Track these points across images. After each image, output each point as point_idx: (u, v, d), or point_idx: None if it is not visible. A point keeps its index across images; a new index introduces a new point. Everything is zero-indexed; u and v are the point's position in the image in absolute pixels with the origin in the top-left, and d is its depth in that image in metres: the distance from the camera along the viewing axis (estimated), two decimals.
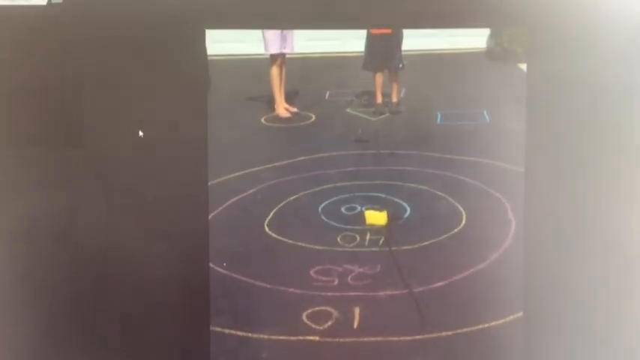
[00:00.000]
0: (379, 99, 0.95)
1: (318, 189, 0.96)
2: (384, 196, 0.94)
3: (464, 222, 0.93)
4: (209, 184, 0.92)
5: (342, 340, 0.92)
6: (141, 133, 0.91)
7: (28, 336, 0.94)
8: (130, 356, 0.94)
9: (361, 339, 0.92)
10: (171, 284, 0.92)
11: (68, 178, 0.92)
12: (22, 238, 0.93)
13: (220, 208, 0.93)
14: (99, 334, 0.94)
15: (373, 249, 0.94)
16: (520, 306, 0.90)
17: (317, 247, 0.94)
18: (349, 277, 0.93)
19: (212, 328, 0.93)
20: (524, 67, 0.89)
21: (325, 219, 0.95)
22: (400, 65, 0.94)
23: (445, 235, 0.93)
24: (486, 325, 0.91)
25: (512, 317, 0.91)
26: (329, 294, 0.93)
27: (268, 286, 0.94)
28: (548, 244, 0.89)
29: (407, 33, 0.93)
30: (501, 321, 0.91)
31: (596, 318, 0.90)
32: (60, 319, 0.94)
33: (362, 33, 0.93)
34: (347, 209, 0.95)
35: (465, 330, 0.91)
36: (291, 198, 0.96)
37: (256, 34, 0.96)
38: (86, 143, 0.91)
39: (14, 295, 0.94)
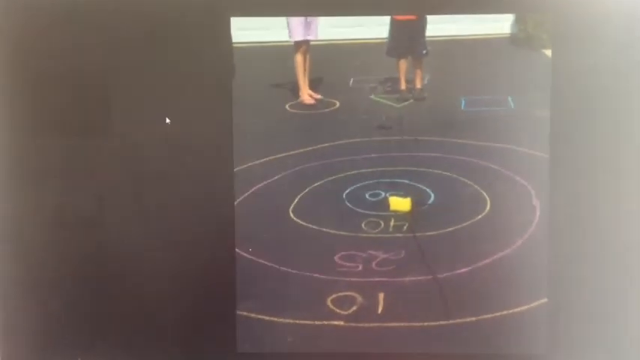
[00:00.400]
0: (403, 85, 0.95)
1: (342, 175, 0.96)
2: (407, 182, 0.94)
3: (488, 208, 0.93)
4: (235, 170, 0.93)
5: (366, 325, 0.93)
6: (168, 120, 0.92)
7: (53, 317, 0.96)
8: (157, 341, 0.95)
9: (385, 324, 0.93)
10: (198, 270, 0.94)
11: (95, 167, 0.93)
12: (49, 227, 0.95)
13: (246, 194, 0.94)
14: (125, 319, 0.95)
15: (397, 235, 0.94)
16: (544, 292, 0.90)
17: (341, 232, 0.95)
18: (373, 262, 0.94)
19: (238, 312, 0.94)
20: (549, 53, 0.89)
21: (349, 205, 0.95)
22: (424, 51, 0.94)
23: (469, 221, 0.93)
24: (510, 311, 0.91)
25: (536, 303, 0.91)
26: (353, 279, 0.94)
27: (293, 271, 0.94)
28: (573, 231, 0.89)
29: (430, 19, 0.92)
30: (525, 307, 0.91)
31: (621, 306, 0.90)
32: (86, 303, 0.95)
33: (386, 19, 0.93)
34: (371, 195, 0.95)
35: (489, 316, 0.92)
36: (316, 184, 0.96)
37: (280, 21, 0.96)
38: (113, 132, 0.92)
39: (43, 281, 0.95)
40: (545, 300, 0.90)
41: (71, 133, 0.93)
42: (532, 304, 0.91)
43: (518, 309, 0.91)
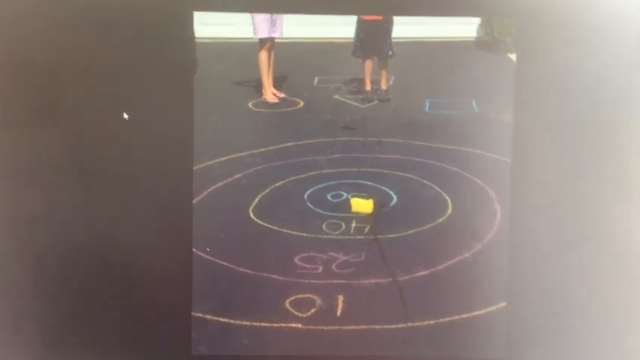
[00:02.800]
0: (368, 86, 0.95)
1: (304, 175, 0.95)
2: (370, 183, 0.94)
3: (450, 211, 0.93)
4: (194, 168, 0.92)
5: (325, 327, 0.92)
6: (126, 116, 0.90)
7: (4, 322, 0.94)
8: (110, 342, 0.93)
9: (344, 327, 0.92)
10: (153, 269, 0.92)
11: (48, 163, 0.91)
12: None
13: (205, 193, 0.93)
14: (76, 320, 0.93)
15: (358, 237, 0.93)
16: (503, 296, 0.90)
17: (302, 234, 0.94)
18: (334, 264, 0.93)
19: (194, 313, 0.92)
20: (513, 57, 0.89)
21: (311, 206, 0.94)
22: (390, 52, 0.94)
23: (431, 224, 0.93)
24: (469, 315, 0.91)
25: (495, 307, 0.91)
26: (313, 281, 0.93)
27: (252, 272, 0.93)
28: (533, 235, 0.90)
29: (397, 20, 0.92)
30: (484, 311, 0.91)
31: (579, 309, 0.91)
32: (35, 304, 0.93)
33: (352, 19, 0.93)
34: (333, 196, 0.94)
35: (447, 319, 0.91)
36: (277, 184, 0.95)
37: (245, 17, 0.95)
38: (70, 125, 0.90)
39: None
40: (503, 304, 0.91)
41: (24, 128, 0.91)
42: (491, 308, 0.91)
43: (477, 312, 0.91)
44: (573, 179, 0.89)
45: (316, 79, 0.97)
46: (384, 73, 0.95)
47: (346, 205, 0.94)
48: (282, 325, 0.92)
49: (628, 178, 0.89)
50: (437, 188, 0.93)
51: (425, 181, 0.94)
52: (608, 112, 0.88)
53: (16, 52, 0.89)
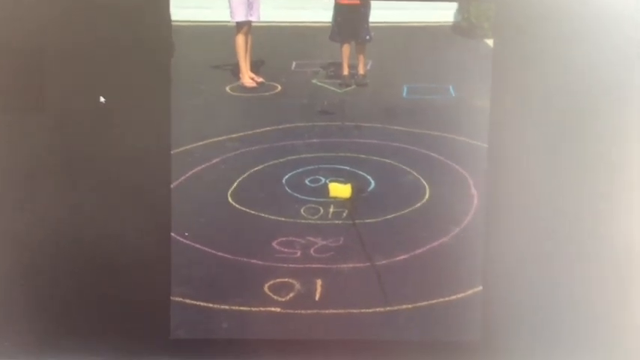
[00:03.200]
0: (346, 71, 0.95)
1: (282, 160, 0.95)
2: (348, 168, 0.94)
3: (427, 196, 0.93)
4: (172, 152, 0.91)
5: (303, 311, 0.93)
6: (102, 99, 0.90)
7: None
8: (88, 326, 0.93)
9: (323, 311, 0.92)
10: (131, 253, 0.92)
11: (24, 146, 0.90)
12: None
13: (183, 178, 0.92)
14: (54, 305, 0.93)
15: (336, 221, 0.94)
16: (480, 280, 0.91)
17: (280, 218, 0.94)
18: (312, 249, 0.93)
19: (172, 297, 0.92)
20: (490, 42, 0.89)
21: (289, 190, 0.94)
22: (367, 37, 0.93)
23: (408, 209, 0.93)
24: (446, 299, 0.92)
25: (471, 291, 0.92)
26: (291, 266, 0.93)
27: (230, 256, 0.93)
28: (509, 220, 0.90)
29: (375, 5, 0.92)
30: (461, 295, 0.92)
31: (555, 292, 0.92)
32: (13, 286, 0.92)
33: (330, 3, 0.92)
34: (311, 181, 0.94)
35: (425, 303, 0.92)
36: (256, 168, 0.95)
37: (222, 0, 0.94)
38: (43, 110, 0.89)
39: None
40: (480, 288, 0.92)
41: (1, 111, 0.90)
42: (467, 292, 0.92)
43: (455, 296, 0.92)
44: (550, 164, 0.90)
45: (294, 64, 0.96)
46: (361, 57, 0.94)
47: (324, 190, 0.94)
48: (261, 309, 0.93)
49: (605, 162, 0.90)
50: (415, 173, 0.94)
51: (403, 166, 0.94)
52: (585, 97, 0.89)
53: None
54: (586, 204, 0.90)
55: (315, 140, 0.94)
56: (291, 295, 0.93)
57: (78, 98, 0.89)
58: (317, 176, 0.94)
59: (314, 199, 0.94)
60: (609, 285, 0.91)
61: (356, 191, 0.94)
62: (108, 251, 0.91)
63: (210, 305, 0.93)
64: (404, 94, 0.93)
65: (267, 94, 0.96)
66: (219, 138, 0.94)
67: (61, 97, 0.89)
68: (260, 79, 0.96)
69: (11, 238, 0.91)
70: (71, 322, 0.92)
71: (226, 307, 0.93)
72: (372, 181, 0.94)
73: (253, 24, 0.94)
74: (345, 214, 0.94)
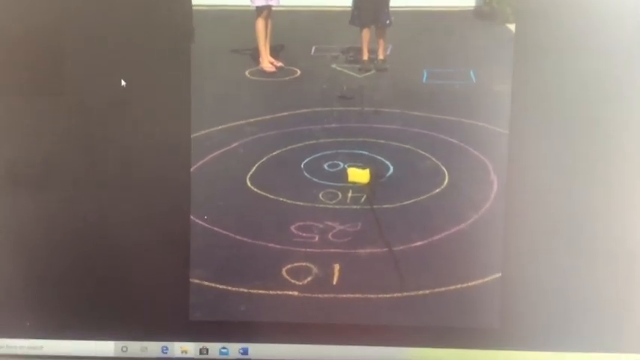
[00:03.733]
0: (365, 55, 0.94)
1: (300, 145, 0.95)
2: (367, 153, 0.93)
3: (446, 182, 0.93)
4: (192, 136, 0.92)
5: (320, 295, 0.93)
6: (123, 83, 0.90)
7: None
8: (108, 307, 0.94)
9: (340, 295, 0.93)
10: (151, 236, 0.93)
11: (47, 130, 0.91)
12: None
13: (202, 161, 0.93)
14: (76, 287, 0.94)
15: (355, 207, 0.93)
16: (498, 267, 0.91)
17: (298, 202, 0.94)
18: (330, 234, 0.93)
19: (192, 280, 0.93)
20: (512, 27, 0.88)
21: (307, 175, 0.94)
22: (387, 21, 0.93)
23: (427, 195, 0.93)
24: (464, 285, 0.92)
25: (490, 278, 0.91)
26: (309, 250, 0.93)
27: (249, 240, 0.93)
28: (529, 207, 0.90)
29: None
30: (480, 281, 0.92)
31: (573, 281, 0.91)
32: (34, 268, 0.94)
33: None
34: (329, 166, 0.94)
35: (443, 289, 0.92)
36: (274, 153, 0.95)
37: None
38: (66, 93, 0.90)
39: None
40: (499, 274, 0.91)
41: (23, 95, 0.90)
42: (486, 279, 0.91)
43: (473, 283, 0.92)
44: (570, 151, 0.89)
45: (313, 48, 0.96)
46: (381, 42, 0.94)
47: (343, 175, 0.94)
48: (279, 292, 0.93)
49: (628, 148, 0.89)
50: (434, 159, 0.93)
51: (422, 152, 0.93)
52: (608, 82, 0.88)
53: (16, 20, 0.89)
54: (606, 191, 0.89)
55: (334, 125, 0.93)
56: (309, 279, 0.93)
57: (98, 83, 0.90)
58: (335, 161, 0.94)
59: (332, 183, 0.94)
60: (628, 272, 0.90)
61: (374, 176, 0.93)
62: (128, 234, 0.92)
63: (229, 288, 0.93)
64: (424, 79, 0.92)
65: (286, 78, 0.96)
66: (239, 122, 0.94)
67: (81, 82, 0.90)
68: (279, 64, 0.95)
69: (32, 220, 0.92)
70: (91, 303, 0.94)
71: (244, 290, 0.93)
72: (391, 167, 0.94)
73: (273, 8, 0.93)
74: (363, 200, 0.93)
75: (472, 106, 0.91)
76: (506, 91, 0.89)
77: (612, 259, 0.90)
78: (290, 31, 0.96)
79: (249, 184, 0.94)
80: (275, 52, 0.95)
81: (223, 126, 0.94)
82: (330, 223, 0.93)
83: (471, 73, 0.91)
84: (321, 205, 0.94)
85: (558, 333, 0.91)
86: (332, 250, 0.93)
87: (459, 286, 0.92)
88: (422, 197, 0.93)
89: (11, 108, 0.91)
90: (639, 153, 0.89)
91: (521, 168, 0.90)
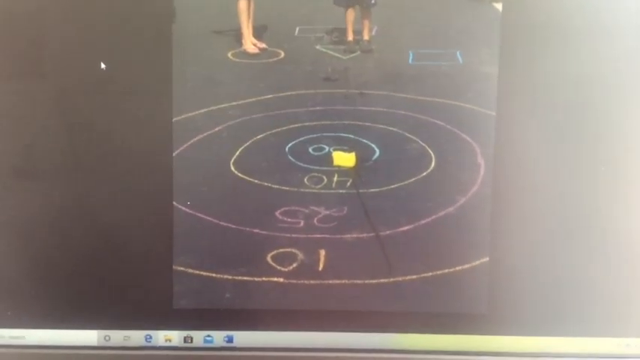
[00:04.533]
0: (350, 36, 0.92)
1: (285, 128, 0.93)
2: (352, 136, 0.92)
3: (433, 165, 0.92)
4: (173, 120, 0.90)
5: (306, 282, 0.92)
6: (103, 66, 0.89)
7: None
8: (91, 295, 0.94)
9: (326, 281, 0.92)
10: (134, 223, 0.92)
11: (25, 114, 0.90)
12: None
13: (185, 146, 0.91)
14: (58, 275, 0.93)
15: (340, 191, 0.92)
16: (486, 251, 0.90)
17: (283, 187, 0.93)
18: (315, 219, 0.92)
19: (175, 267, 0.92)
20: (499, 7, 0.87)
21: (292, 159, 0.93)
22: (372, 1, 0.91)
23: (414, 178, 0.92)
24: (452, 270, 0.91)
25: (478, 262, 0.91)
26: (294, 235, 0.92)
27: (233, 226, 0.92)
28: (516, 190, 0.89)
29: None
30: (467, 265, 0.91)
31: (561, 265, 0.91)
32: (14, 257, 0.93)
33: None
34: (314, 149, 0.93)
35: (430, 274, 0.91)
36: (258, 137, 0.93)
37: None
38: (44, 76, 0.89)
39: None
40: (486, 259, 0.90)
41: (2, 80, 0.89)
42: (474, 263, 0.91)
43: (460, 267, 0.91)
44: (558, 133, 0.88)
45: (297, 29, 0.94)
46: (366, 22, 0.92)
47: (328, 159, 0.93)
48: (264, 279, 0.92)
49: (616, 133, 0.89)
50: (420, 142, 0.92)
51: (408, 135, 0.92)
52: (596, 63, 0.87)
53: None
54: (593, 174, 0.89)
55: (318, 108, 0.92)
56: (294, 265, 0.92)
57: (78, 66, 0.89)
58: (321, 145, 0.92)
59: (318, 167, 0.93)
60: (613, 257, 0.91)
61: (360, 160, 0.92)
62: (110, 221, 0.91)
63: (213, 275, 0.93)
64: (410, 60, 0.91)
65: (270, 60, 0.94)
66: (222, 105, 0.92)
67: (60, 65, 0.89)
68: (263, 45, 0.93)
69: (11, 208, 0.91)
70: (73, 292, 0.93)
71: (229, 276, 0.92)
72: (377, 150, 0.92)
73: None
74: (349, 184, 0.92)
75: (459, 87, 0.90)
76: (494, 73, 0.87)
77: (600, 243, 0.90)
78: (273, 12, 0.94)
79: (232, 168, 0.93)
80: (258, 33, 0.94)
81: (206, 109, 0.92)
82: (315, 208, 0.92)
83: (458, 54, 0.90)
84: (307, 190, 0.92)
85: (545, 318, 0.91)
86: (317, 236, 0.92)
87: (446, 270, 0.91)
88: (408, 181, 0.92)
89: None
90: (627, 136, 0.89)
91: (508, 151, 0.89)
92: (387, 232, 0.91)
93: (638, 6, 0.86)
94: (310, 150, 0.93)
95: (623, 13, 0.86)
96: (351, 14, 0.92)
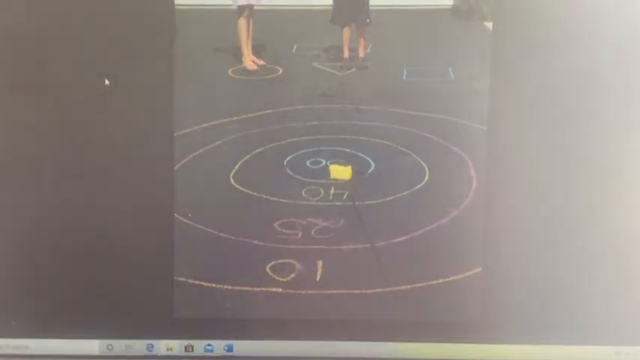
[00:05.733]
0: (346, 54, 0.95)
1: (283, 142, 0.95)
2: (348, 150, 0.94)
3: (427, 178, 0.94)
4: (175, 135, 0.92)
5: (304, 292, 0.94)
6: (107, 82, 0.90)
7: None
8: (93, 306, 0.94)
9: (323, 291, 0.94)
10: (136, 234, 0.93)
11: (28, 129, 0.91)
12: None
13: (186, 160, 0.93)
14: (61, 285, 0.94)
15: (337, 203, 0.94)
16: (479, 262, 0.92)
17: (282, 200, 0.95)
18: (313, 230, 0.94)
19: (176, 278, 0.93)
20: (490, 25, 0.89)
21: (290, 172, 0.95)
22: (367, 20, 0.94)
23: (408, 191, 0.94)
24: (446, 280, 0.93)
25: (470, 272, 0.92)
26: (292, 247, 0.94)
27: (233, 237, 0.94)
28: (508, 202, 0.91)
29: None
30: (460, 275, 0.93)
31: (553, 274, 0.92)
32: (18, 267, 0.93)
33: None
34: (312, 163, 0.95)
35: (424, 284, 0.93)
36: (257, 151, 0.96)
37: None
38: (48, 92, 0.90)
39: None
40: (479, 269, 0.92)
41: (5, 94, 0.90)
42: (466, 273, 0.93)
43: (454, 277, 0.93)
44: (548, 147, 0.90)
45: (295, 47, 0.96)
46: (362, 40, 0.94)
47: (325, 172, 0.95)
48: (263, 289, 0.94)
49: (605, 145, 0.90)
50: (414, 155, 0.94)
51: (402, 149, 0.94)
52: (585, 78, 0.89)
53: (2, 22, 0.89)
54: (584, 185, 0.90)
55: (315, 123, 0.94)
56: (293, 275, 0.94)
57: (82, 82, 0.90)
58: (318, 158, 0.95)
59: (315, 180, 0.95)
60: (606, 266, 0.92)
61: (356, 173, 0.94)
62: (112, 233, 0.92)
63: (213, 285, 0.94)
64: (404, 76, 0.93)
65: (268, 77, 0.96)
66: (222, 120, 0.95)
67: (64, 81, 0.90)
68: (262, 62, 0.96)
69: (15, 219, 0.92)
70: (76, 302, 0.94)
71: (229, 287, 0.94)
72: (372, 163, 0.95)
73: (255, 7, 0.94)
74: (345, 196, 0.94)
75: (451, 102, 0.92)
76: (485, 88, 0.90)
77: (592, 252, 0.92)
78: (272, 30, 0.97)
79: (232, 181, 0.95)
80: (257, 50, 0.96)
81: (206, 124, 0.94)
82: (312, 220, 0.94)
83: (450, 70, 0.92)
84: (304, 202, 0.94)
85: (538, 326, 0.93)
86: (315, 247, 0.94)
87: (440, 280, 0.93)
88: (403, 193, 0.94)
89: None
90: (617, 147, 0.90)
91: (499, 164, 0.91)
92: (383, 242, 0.93)
93: (627, 22, 0.88)
94: (308, 163, 0.95)
95: (612, 29, 0.88)
96: (347, 32, 0.95)
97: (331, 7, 0.94)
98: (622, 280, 0.92)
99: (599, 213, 0.91)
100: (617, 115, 0.90)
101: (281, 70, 0.97)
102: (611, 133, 0.90)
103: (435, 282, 0.93)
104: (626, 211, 0.91)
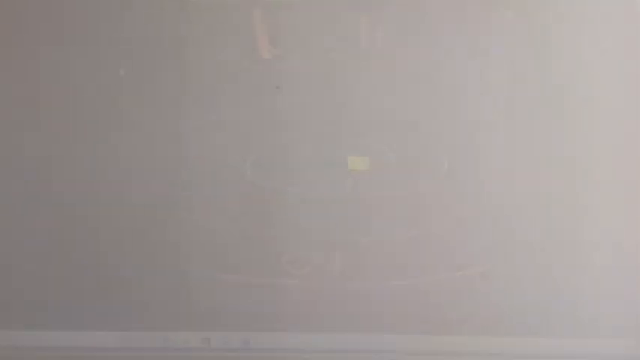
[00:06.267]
0: None
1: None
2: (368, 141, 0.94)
3: (446, 166, 0.94)
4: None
5: (321, 284, 0.94)
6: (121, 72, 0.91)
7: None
8: (109, 300, 0.95)
9: (341, 283, 0.93)
10: (149, 225, 0.93)
11: (45, 119, 0.91)
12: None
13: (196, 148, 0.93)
14: (77, 275, 0.94)
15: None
16: (481, 258, 0.93)
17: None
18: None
19: (193, 269, 0.94)
20: None
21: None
22: None
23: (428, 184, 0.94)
24: (451, 275, 0.93)
25: (473, 268, 0.93)
26: (309, 239, 0.94)
27: (249, 228, 0.94)
28: (504, 202, 0.92)
29: None
30: (464, 271, 0.93)
31: (548, 269, 0.93)
32: (18, 257, 0.93)
33: None
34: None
35: (442, 276, 0.93)
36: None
37: None
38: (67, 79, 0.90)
39: None
40: (481, 267, 0.93)
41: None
42: (469, 269, 0.93)
43: (459, 273, 0.93)
44: (548, 146, 0.91)
45: None
46: None
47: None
48: (279, 281, 0.94)
49: (593, 139, 0.92)
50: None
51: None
52: (570, 70, 0.91)
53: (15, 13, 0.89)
54: (575, 180, 0.92)
55: None
56: (309, 268, 0.94)
57: (96, 71, 0.90)
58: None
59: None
60: (602, 260, 0.92)
61: (376, 165, 0.94)
62: (126, 224, 0.93)
63: (229, 277, 0.94)
64: None
65: None
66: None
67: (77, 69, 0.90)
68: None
69: (29, 203, 0.92)
70: (92, 294, 0.94)
71: (244, 278, 0.93)
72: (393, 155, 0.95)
73: None
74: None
75: None
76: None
77: (586, 246, 0.92)
78: None
79: (248, 172, 0.95)
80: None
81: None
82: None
83: None
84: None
85: (538, 325, 0.93)
86: (332, 239, 0.93)
87: (445, 275, 0.93)
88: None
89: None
90: (605, 141, 0.91)
91: (499, 164, 0.92)
92: (396, 237, 0.94)
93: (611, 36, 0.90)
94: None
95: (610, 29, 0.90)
96: None
97: None
98: (617, 273, 0.92)
99: (593, 208, 0.92)
100: (617, 115, 0.91)
101: None
102: (600, 125, 0.91)
103: (439, 277, 0.93)
104: (624, 207, 0.92)
